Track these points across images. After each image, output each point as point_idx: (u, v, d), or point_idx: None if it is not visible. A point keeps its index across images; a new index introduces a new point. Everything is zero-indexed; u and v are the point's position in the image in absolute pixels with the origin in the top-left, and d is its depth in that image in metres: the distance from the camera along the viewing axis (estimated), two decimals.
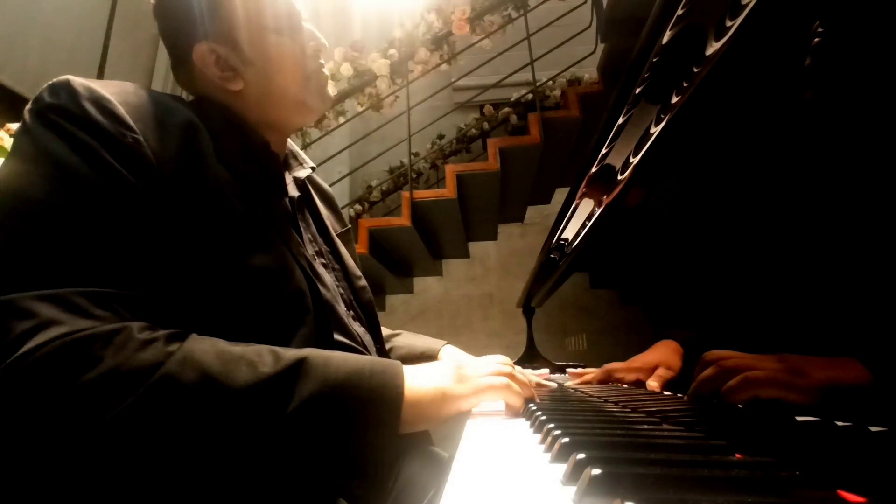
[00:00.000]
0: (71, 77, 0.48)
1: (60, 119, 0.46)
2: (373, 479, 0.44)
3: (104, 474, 0.38)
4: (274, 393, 0.41)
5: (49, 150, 0.44)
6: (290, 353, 0.44)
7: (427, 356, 0.87)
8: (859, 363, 0.36)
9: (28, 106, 0.48)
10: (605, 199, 0.77)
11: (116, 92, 0.49)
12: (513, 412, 0.55)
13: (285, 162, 0.73)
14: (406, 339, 0.91)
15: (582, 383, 0.96)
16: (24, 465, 0.37)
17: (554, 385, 0.88)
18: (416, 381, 0.48)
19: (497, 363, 0.57)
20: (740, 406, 0.48)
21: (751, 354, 0.48)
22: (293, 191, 0.71)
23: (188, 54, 0.62)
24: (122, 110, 0.48)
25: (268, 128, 0.66)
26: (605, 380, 0.90)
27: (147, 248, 0.46)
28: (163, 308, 0.46)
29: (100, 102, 0.47)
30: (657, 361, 0.73)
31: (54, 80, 0.48)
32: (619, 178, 0.70)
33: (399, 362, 0.49)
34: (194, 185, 0.51)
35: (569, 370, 1.00)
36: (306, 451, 0.42)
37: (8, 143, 1.51)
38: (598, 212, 0.82)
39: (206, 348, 0.42)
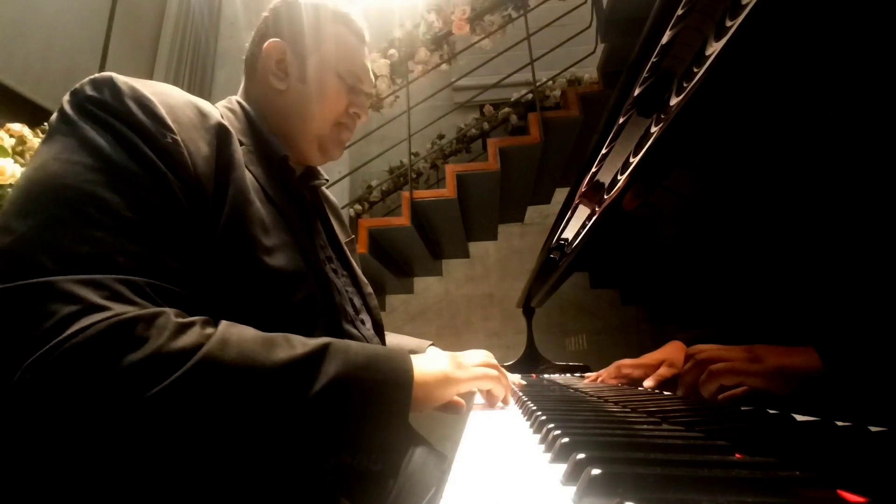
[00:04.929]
0: (114, 74, 0.49)
1: (103, 113, 0.47)
2: (387, 453, 0.48)
3: (142, 455, 0.38)
4: (305, 372, 0.44)
5: (93, 141, 0.45)
6: (314, 339, 0.48)
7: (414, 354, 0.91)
8: (815, 351, 0.40)
9: (66, 97, 0.48)
10: (606, 199, 0.77)
11: (156, 92, 0.51)
12: (494, 402, 0.64)
13: (302, 174, 0.77)
14: (395, 339, 0.95)
15: (595, 379, 0.98)
16: (65, 447, 0.37)
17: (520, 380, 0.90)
18: (423, 366, 0.55)
19: (485, 356, 0.65)
20: (719, 400, 0.52)
21: (723, 347, 0.53)
22: (308, 200, 0.75)
23: (263, 44, 0.70)
24: (162, 111, 0.49)
25: (286, 142, 0.71)
26: (616, 375, 0.91)
27: (180, 244, 0.47)
28: (191, 302, 0.47)
29: (142, 102, 0.48)
30: (662, 359, 0.74)
31: (96, 75, 0.49)
32: (619, 177, 0.70)
33: (407, 351, 0.53)
34: (222, 187, 0.53)
35: (586, 375, 1.03)
36: (331, 427, 0.44)
37: (8, 143, 1.51)
38: (598, 212, 0.82)
39: (241, 331, 0.44)
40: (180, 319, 0.41)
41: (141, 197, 0.45)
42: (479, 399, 0.69)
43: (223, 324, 0.45)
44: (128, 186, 0.44)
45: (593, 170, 0.75)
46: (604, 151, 0.70)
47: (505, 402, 0.65)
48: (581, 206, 0.89)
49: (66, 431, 0.36)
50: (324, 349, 0.46)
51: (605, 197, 0.77)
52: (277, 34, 0.71)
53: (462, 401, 0.62)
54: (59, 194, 0.42)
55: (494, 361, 0.65)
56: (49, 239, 0.39)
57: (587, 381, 1.00)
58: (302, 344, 0.46)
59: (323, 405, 0.43)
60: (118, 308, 0.39)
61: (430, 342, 0.97)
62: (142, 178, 0.45)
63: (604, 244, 0.95)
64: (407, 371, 0.50)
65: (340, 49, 0.72)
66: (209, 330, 0.42)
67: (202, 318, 0.44)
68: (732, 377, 0.49)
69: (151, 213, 0.45)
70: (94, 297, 0.38)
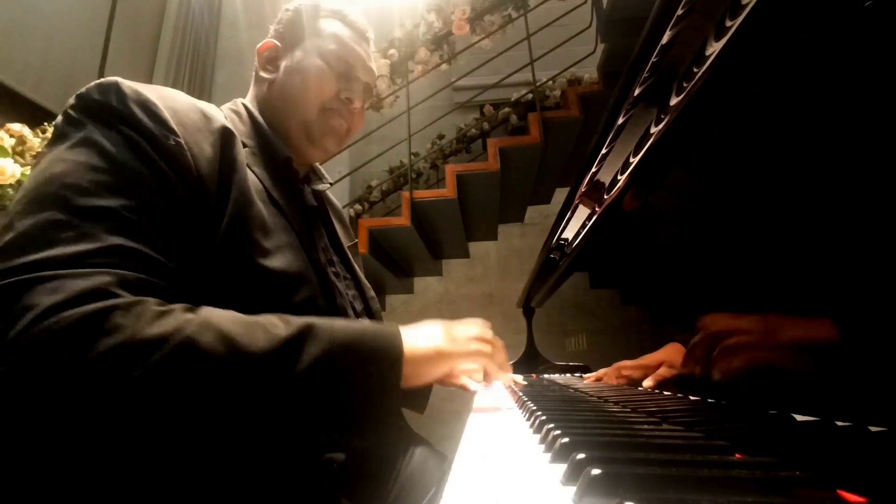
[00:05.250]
0: (119, 79, 0.51)
1: (108, 116, 0.48)
2: (376, 431, 0.48)
3: (124, 441, 0.39)
4: (287, 352, 0.43)
5: (96, 142, 0.46)
6: (298, 319, 0.47)
7: None
8: (832, 323, 0.37)
9: (72, 101, 0.50)
10: (606, 199, 0.77)
11: (161, 97, 0.52)
12: (489, 379, 0.63)
13: (306, 176, 0.78)
14: None
15: (595, 380, 0.98)
16: (45, 435, 0.37)
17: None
18: (414, 340, 0.53)
19: (479, 329, 0.62)
20: (732, 388, 0.49)
21: (735, 318, 0.49)
22: (311, 202, 0.75)
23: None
24: (166, 114, 0.50)
25: (280, 137, 0.71)
26: (616, 377, 0.91)
27: (179, 243, 0.48)
28: (186, 300, 0.47)
29: (146, 105, 0.49)
30: (662, 360, 0.74)
31: (102, 79, 0.50)
32: (619, 177, 0.70)
33: (397, 325, 0.52)
34: (225, 189, 0.54)
35: (585, 376, 1.03)
36: (317, 406, 0.44)
37: (8, 143, 1.51)
38: (598, 212, 0.82)
39: (221, 315, 0.44)
40: (160, 307, 0.41)
41: (140, 196, 0.45)
42: (478, 400, 0.68)
43: (204, 308, 0.45)
44: (129, 185, 0.45)
45: (593, 170, 0.75)
46: (604, 151, 0.70)
47: (505, 369, 0.63)
48: (581, 206, 0.89)
49: (43, 419, 0.36)
50: (306, 329, 0.46)
51: (605, 197, 0.77)
52: (273, 37, 0.74)
53: (466, 384, 0.62)
54: (60, 193, 0.43)
55: (490, 333, 0.63)
56: (47, 236, 0.40)
57: (588, 381, 1.01)
58: (285, 325, 0.45)
59: (307, 386, 0.43)
60: (106, 301, 0.39)
61: None
62: (143, 177, 0.46)
63: (604, 244, 0.95)
64: (395, 347, 0.49)
65: (330, 38, 0.72)
66: (189, 315, 0.42)
67: (183, 304, 0.44)
68: (747, 355, 0.46)
69: (150, 212, 0.45)
70: (77, 288, 0.38)
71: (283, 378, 0.42)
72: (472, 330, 0.60)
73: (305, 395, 0.43)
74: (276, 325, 0.45)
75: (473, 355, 0.57)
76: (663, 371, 0.72)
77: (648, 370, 0.77)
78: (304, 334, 0.45)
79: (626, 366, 0.87)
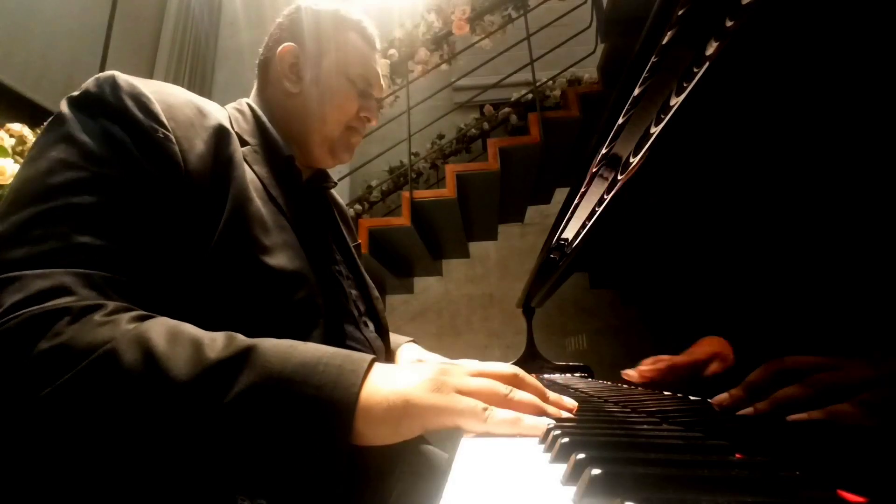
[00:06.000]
0: (117, 73, 0.51)
1: (98, 109, 0.49)
2: (314, 491, 0.36)
3: (42, 448, 0.37)
4: (213, 380, 0.36)
5: (78, 138, 0.46)
6: (244, 340, 0.39)
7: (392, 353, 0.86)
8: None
9: (73, 93, 0.50)
10: (605, 200, 0.77)
11: (155, 91, 0.52)
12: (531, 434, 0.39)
13: (311, 176, 0.78)
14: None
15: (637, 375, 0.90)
16: None
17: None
18: (380, 380, 0.39)
19: (488, 384, 0.41)
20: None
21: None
22: (313, 201, 0.76)
23: (277, 49, 0.71)
24: (157, 108, 0.50)
25: (298, 145, 0.72)
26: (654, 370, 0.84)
27: (159, 240, 0.47)
28: (172, 301, 0.47)
29: (138, 98, 0.50)
30: (713, 352, 0.63)
31: (101, 73, 0.51)
32: (619, 178, 0.70)
33: (370, 356, 0.40)
34: (219, 186, 0.53)
35: (624, 372, 0.97)
36: (240, 449, 0.36)
37: (8, 143, 1.51)
38: (598, 212, 0.82)
39: (160, 329, 0.39)
40: (105, 317, 0.39)
41: (113, 193, 0.45)
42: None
43: (155, 319, 0.41)
44: (102, 182, 0.45)
45: (593, 170, 0.75)
46: (604, 151, 0.70)
47: (517, 428, 0.39)
48: (581, 207, 0.89)
49: None
50: (244, 353, 0.38)
51: (605, 197, 0.77)
52: (292, 39, 0.72)
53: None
54: (36, 192, 0.43)
55: (503, 389, 0.41)
56: (19, 237, 0.41)
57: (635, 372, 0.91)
58: (224, 346, 0.38)
59: (230, 420, 0.36)
60: (62, 300, 0.38)
61: (409, 339, 0.89)
62: (119, 173, 0.46)
63: (604, 244, 0.95)
64: (349, 387, 0.37)
65: (352, 54, 0.73)
66: (129, 326, 0.38)
67: (136, 312, 0.41)
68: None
69: (122, 209, 0.45)
70: (37, 288, 0.38)
71: (203, 408, 0.36)
72: (475, 380, 0.41)
73: (227, 431, 0.35)
74: (212, 346, 0.38)
75: (458, 416, 0.38)
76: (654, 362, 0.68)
77: (696, 366, 0.68)
78: (240, 360, 0.37)
79: (678, 361, 0.71)
